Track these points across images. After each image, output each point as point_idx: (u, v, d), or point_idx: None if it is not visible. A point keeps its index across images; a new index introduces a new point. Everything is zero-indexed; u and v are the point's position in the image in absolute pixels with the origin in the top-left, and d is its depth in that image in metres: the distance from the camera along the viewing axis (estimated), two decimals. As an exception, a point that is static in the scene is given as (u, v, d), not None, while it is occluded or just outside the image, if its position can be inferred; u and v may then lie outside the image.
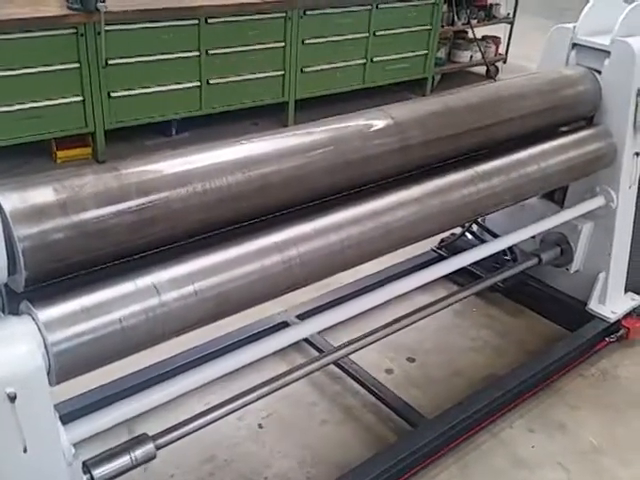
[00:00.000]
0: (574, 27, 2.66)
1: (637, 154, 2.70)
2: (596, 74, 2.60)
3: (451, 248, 3.20)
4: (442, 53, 6.34)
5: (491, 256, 2.55)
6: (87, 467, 1.55)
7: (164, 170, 1.52)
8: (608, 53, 2.57)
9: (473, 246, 2.62)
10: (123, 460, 1.60)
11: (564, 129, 2.63)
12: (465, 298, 2.64)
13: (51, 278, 1.37)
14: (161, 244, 1.53)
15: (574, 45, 2.66)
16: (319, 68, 5.26)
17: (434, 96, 2.21)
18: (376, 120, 1.91)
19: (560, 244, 2.87)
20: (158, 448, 1.66)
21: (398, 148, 1.91)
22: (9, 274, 1.29)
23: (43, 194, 1.33)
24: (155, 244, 1.51)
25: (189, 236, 1.57)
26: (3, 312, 1.39)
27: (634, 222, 2.87)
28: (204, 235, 1.61)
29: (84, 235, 1.35)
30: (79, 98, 4.23)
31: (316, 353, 2.63)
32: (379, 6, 5.38)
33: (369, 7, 5.33)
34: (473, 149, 2.19)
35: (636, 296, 2.98)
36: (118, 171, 1.45)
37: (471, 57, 6.59)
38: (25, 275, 1.29)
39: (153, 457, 1.65)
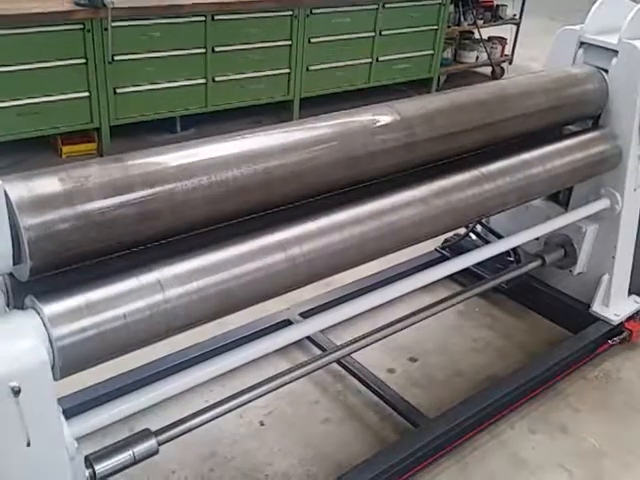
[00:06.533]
0: (582, 27, 2.65)
1: (642, 156, 2.69)
2: (603, 73, 2.59)
3: (455, 248, 3.19)
4: (448, 53, 6.33)
5: (495, 257, 2.54)
6: (90, 461, 1.55)
7: (169, 162, 1.51)
8: (616, 52, 2.55)
9: (477, 247, 2.61)
10: (125, 455, 1.60)
11: (570, 128, 2.62)
12: (468, 299, 2.64)
13: (56, 268, 1.37)
14: (165, 236, 1.53)
15: (581, 44, 2.65)
16: (325, 67, 5.26)
17: (440, 93, 2.20)
18: (382, 116, 1.90)
19: (564, 246, 2.86)
20: (160, 444, 1.67)
21: (404, 144, 1.90)
22: (14, 263, 1.29)
23: (49, 184, 1.33)
24: (160, 236, 1.51)
25: (193, 229, 1.57)
26: (8, 306, 1.39)
27: (639, 225, 2.86)
28: (208, 228, 1.60)
29: (89, 225, 1.35)
30: (85, 94, 4.24)
31: (319, 351, 2.63)
32: (385, 6, 5.38)
33: (375, 7, 5.33)
34: (479, 146, 2.18)
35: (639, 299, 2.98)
36: (123, 162, 1.45)
37: (477, 58, 6.58)
38: (30, 265, 1.29)
39: (155, 453, 1.66)
